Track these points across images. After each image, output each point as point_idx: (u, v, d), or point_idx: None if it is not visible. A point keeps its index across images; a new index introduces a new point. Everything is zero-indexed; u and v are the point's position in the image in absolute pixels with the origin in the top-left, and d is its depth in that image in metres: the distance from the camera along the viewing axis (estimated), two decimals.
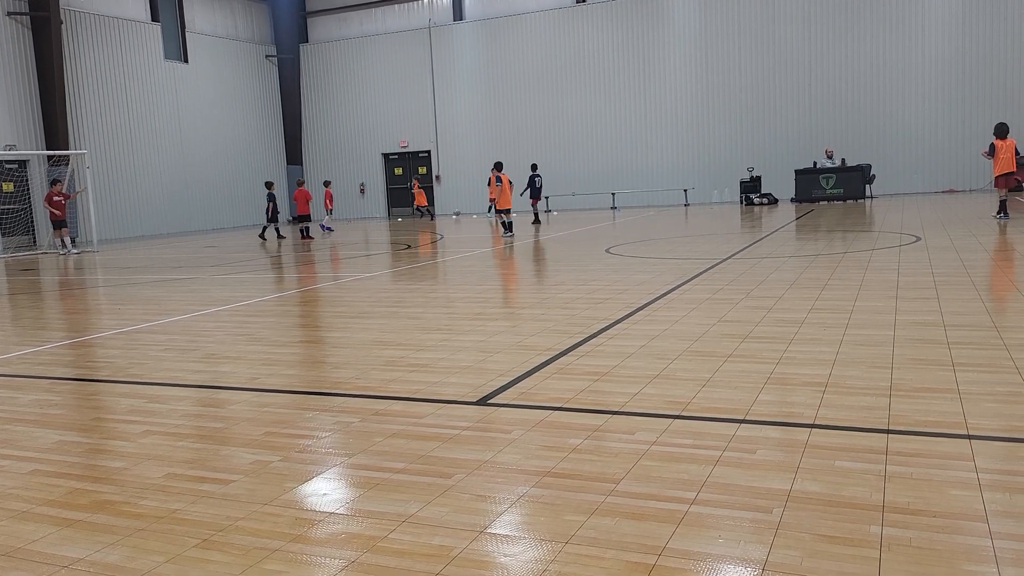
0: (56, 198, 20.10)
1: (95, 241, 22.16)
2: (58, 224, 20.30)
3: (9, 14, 24.30)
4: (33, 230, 25.06)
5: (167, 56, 29.71)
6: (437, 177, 33.89)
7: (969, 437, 3.62)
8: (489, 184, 20.00)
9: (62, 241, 20.33)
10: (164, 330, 7.86)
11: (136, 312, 9.28)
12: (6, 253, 21.75)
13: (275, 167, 34.35)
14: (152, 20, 29.10)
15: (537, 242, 16.51)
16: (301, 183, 23.88)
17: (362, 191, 35.09)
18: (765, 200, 26.60)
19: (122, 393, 5.39)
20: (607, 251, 13.45)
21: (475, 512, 3.09)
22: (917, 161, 27.22)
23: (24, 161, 24.85)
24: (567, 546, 2.76)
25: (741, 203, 27.25)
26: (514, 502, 3.16)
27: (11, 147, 24.02)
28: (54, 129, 24.99)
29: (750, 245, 13.14)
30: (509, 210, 18.78)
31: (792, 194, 26.59)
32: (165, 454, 4.01)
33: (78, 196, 23.41)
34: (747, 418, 4.04)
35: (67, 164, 23.13)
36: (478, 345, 6.24)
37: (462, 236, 19.96)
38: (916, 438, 3.64)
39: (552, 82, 31.37)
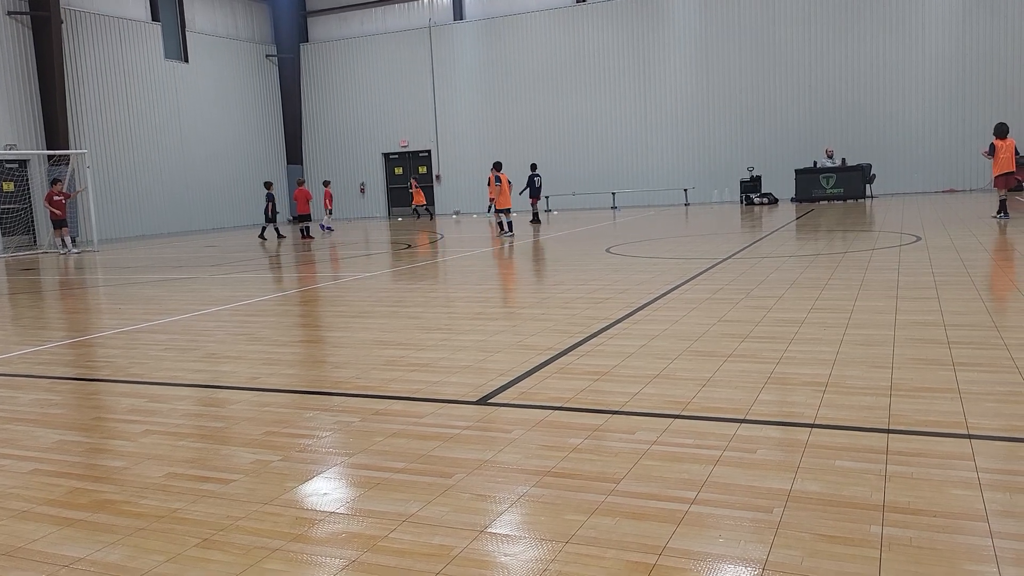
0: (56, 198, 20.10)
1: (95, 241, 22.16)
2: (58, 224, 20.30)
3: (9, 13, 24.30)
4: (33, 230, 25.06)
5: (167, 55, 29.71)
6: (437, 177, 33.89)
7: (969, 437, 3.62)
8: (489, 184, 20.02)
9: (62, 241, 20.33)
10: (164, 330, 7.86)
11: (136, 312, 9.28)
12: (6, 253, 21.76)
13: (275, 167, 34.35)
14: (152, 19, 29.10)
15: (537, 242, 16.52)
16: (301, 183, 23.90)
17: (362, 191, 35.10)
18: (765, 200, 26.60)
19: (122, 393, 5.39)
20: (607, 251, 13.45)
21: (475, 512, 3.09)
22: (917, 161, 27.22)
23: (24, 161, 24.85)
24: (567, 546, 2.76)
25: (741, 203, 27.25)
26: (514, 502, 3.16)
27: (11, 147, 24.02)
28: (54, 128, 24.99)
29: (750, 245, 13.14)
30: (509, 210, 18.80)
31: (792, 194, 26.59)
32: (165, 454, 4.01)
33: (78, 196, 23.41)
34: (747, 418, 4.04)
35: (67, 163, 23.12)
36: (478, 345, 6.24)
37: (462, 236, 19.96)
38: (916, 438, 3.64)
39: (553, 82, 31.38)
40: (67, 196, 20.60)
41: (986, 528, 2.73)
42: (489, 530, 2.92)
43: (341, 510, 3.18)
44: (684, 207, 27.88)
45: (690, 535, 2.79)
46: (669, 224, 19.61)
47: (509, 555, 2.71)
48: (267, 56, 34.19)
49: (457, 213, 32.90)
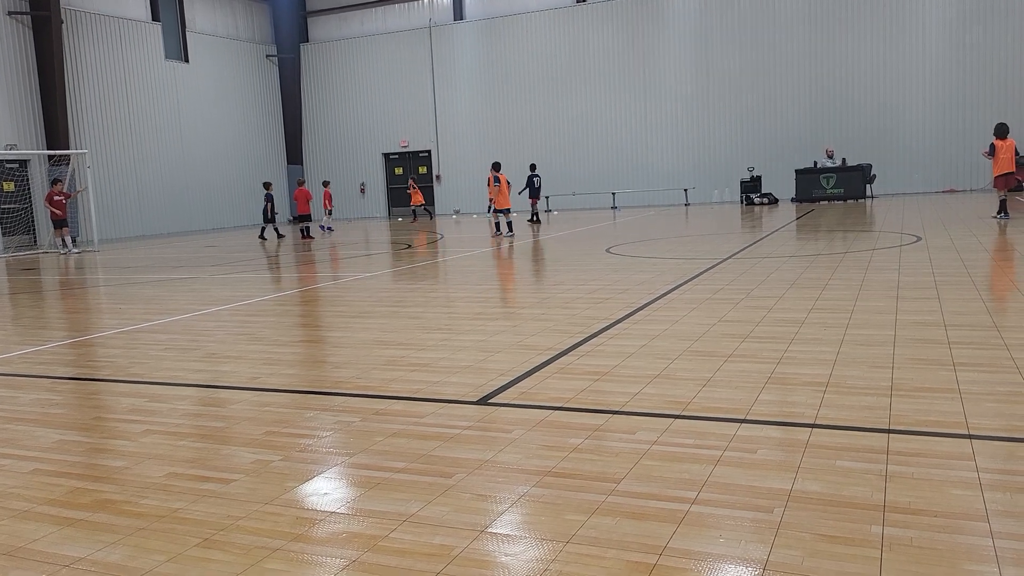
0: (57, 197, 20.11)
1: (96, 241, 22.17)
2: (59, 223, 20.30)
3: (10, 13, 24.30)
4: (34, 230, 25.06)
5: (168, 55, 29.71)
6: (438, 177, 33.89)
7: (970, 437, 3.62)
8: (488, 184, 20.04)
9: (63, 240, 20.34)
10: (165, 329, 7.87)
11: (137, 311, 9.29)
12: (7, 252, 21.76)
13: (275, 167, 34.35)
14: (152, 19, 29.10)
15: (537, 242, 16.52)
16: (301, 183, 23.92)
17: (362, 191, 35.10)
18: (765, 200, 26.60)
19: (123, 392, 5.39)
20: (607, 251, 13.45)
21: (476, 511, 3.09)
22: (917, 161, 27.21)
23: (25, 161, 24.85)
24: (568, 546, 2.76)
25: (741, 203, 27.24)
26: (515, 501, 3.16)
27: (12, 147, 24.02)
28: (55, 128, 24.99)
29: (750, 245, 13.14)
30: (508, 210, 18.81)
31: (792, 194, 26.59)
32: (166, 453, 4.01)
33: (79, 195, 23.42)
34: (748, 418, 4.04)
35: (68, 163, 23.13)
36: (479, 345, 6.24)
37: (462, 236, 19.96)
38: (917, 438, 3.64)
39: (553, 81, 31.38)
40: (67, 196, 20.60)
41: (986, 528, 2.73)
42: (490, 530, 2.92)
43: (342, 510, 3.18)
44: (684, 207, 27.88)
45: (691, 535, 2.79)
46: (669, 224, 19.61)
47: (510, 555, 2.71)
48: (267, 56, 34.19)
49: (457, 212, 32.91)
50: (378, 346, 6.43)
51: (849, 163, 26.27)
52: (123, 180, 27.76)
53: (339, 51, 34.79)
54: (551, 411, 4.35)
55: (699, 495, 3.12)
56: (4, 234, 23.57)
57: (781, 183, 27.51)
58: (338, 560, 2.74)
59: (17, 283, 13.63)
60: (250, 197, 32.05)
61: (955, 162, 26.73)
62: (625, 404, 4.40)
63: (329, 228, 24.93)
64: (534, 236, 18.07)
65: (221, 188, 31.67)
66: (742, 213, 22.59)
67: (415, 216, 29.29)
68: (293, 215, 30.51)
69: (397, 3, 33.89)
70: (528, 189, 22.95)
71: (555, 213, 28.32)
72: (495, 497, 3.22)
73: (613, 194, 30.25)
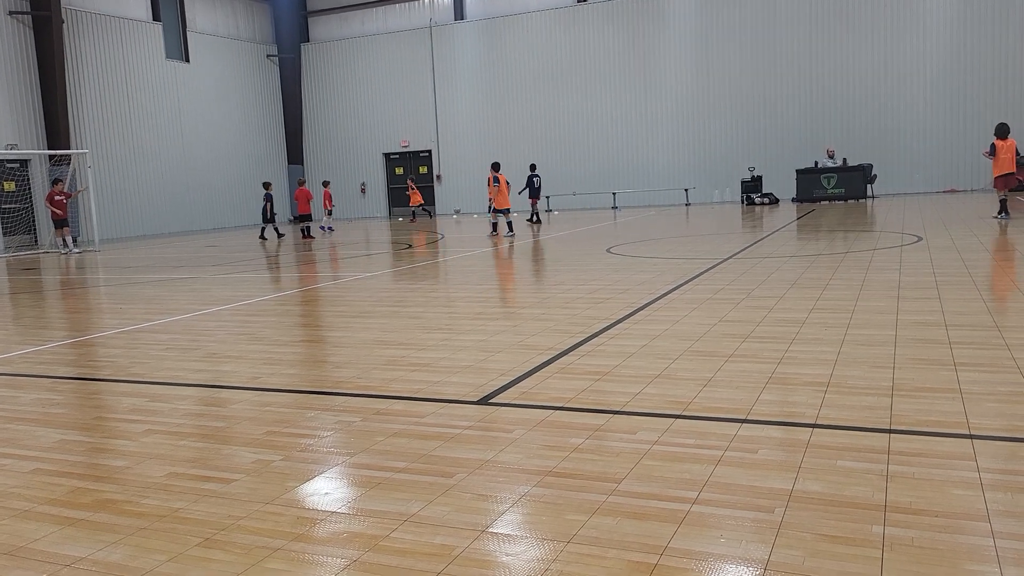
0: (57, 197, 20.12)
1: (96, 240, 22.17)
2: (59, 223, 20.31)
3: (11, 13, 24.31)
4: (35, 229, 25.07)
5: (168, 55, 29.72)
6: (438, 177, 33.89)
7: (971, 437, 3.61)
8: (488, 184, 20.04)
9: (63, 240, 20.34)
10: (165, 329, 7.87)
11: (137, 311, 9.29)
12: (8, 252, 21.77)
13: (276, 167, 34.36)
14: (153, 19, 29.11)
15: (538, 242, 16.52)
16: (302, 183, 23.91)
17: (363, 191, 35.10)
18: (766, 200, 26.59)
19: (124, 392, 5.39)
20: (608, 251, 13.45)
21: (477, 511, 3.09)
22: (918, 161, 27.20)
23: (25, 160, 24.85)
24: (569, 545, 2.76)
25: (742, 203, 27.23)
26: (516, 501, 3.16)
27: (12, 146, 24.03)
28: (55, 128, 25.00)
29: (751, 245, 13.14)
30: (508, 210, 18.82)
31: (793, 194, 26.58)
32: (167, 453, 4.01)
33: (79, 195, 23.42)
34: (749, 418, 4.04)
35: (68, 163, 23.14)
36: (479, 345, 6.24)
37: (463, 235, 19.96)
38: (918, 438, 3.64)
39: (553, 81, 31.37)
40: (68, 196, 20.61)
41: (988, 528, 2.73)
42: (490, 530, 2.92)
43: (342, 510, 3.18)
44: (685, 207, 27.87)
45: (692, 535, 2.78)
46: (670, 224, 19.60)
47: (510, 555, 2.71)
48: (268, 56, 34.19)
49: (457, 212, 32.91)
50: (379, 346, 6.43)
51: (850, 163, 26.27)
52: (124, 180, 27.77)
53: (340, 51, 34.79)
54: (552, 411, 4.35)
55: (700, 495, 3.12)
56: (5, 234, 23.58)
57: (782, 183, 27.51)
58: (339, 560, 2.74)
59: (18, 283, 13.63)
60: (251, 197, 32.04)
61: (956, 162, 26.72)
62: (626, 404, 4.40)
63: (329, 228, 24.94)
64: (534, 236, 18.07)
65: (222, 188, 31.67)
66: (743, 213, 22.58)
67: (414, 216, 29.24)
68: (294, 215, 30.52)
69: (398, 3, 33.90)
70: (528, 189, 22.96)
71: (555, 213, 28.32)
72: (496, 497, 3.22)
73: (613, 194, 30.24)
